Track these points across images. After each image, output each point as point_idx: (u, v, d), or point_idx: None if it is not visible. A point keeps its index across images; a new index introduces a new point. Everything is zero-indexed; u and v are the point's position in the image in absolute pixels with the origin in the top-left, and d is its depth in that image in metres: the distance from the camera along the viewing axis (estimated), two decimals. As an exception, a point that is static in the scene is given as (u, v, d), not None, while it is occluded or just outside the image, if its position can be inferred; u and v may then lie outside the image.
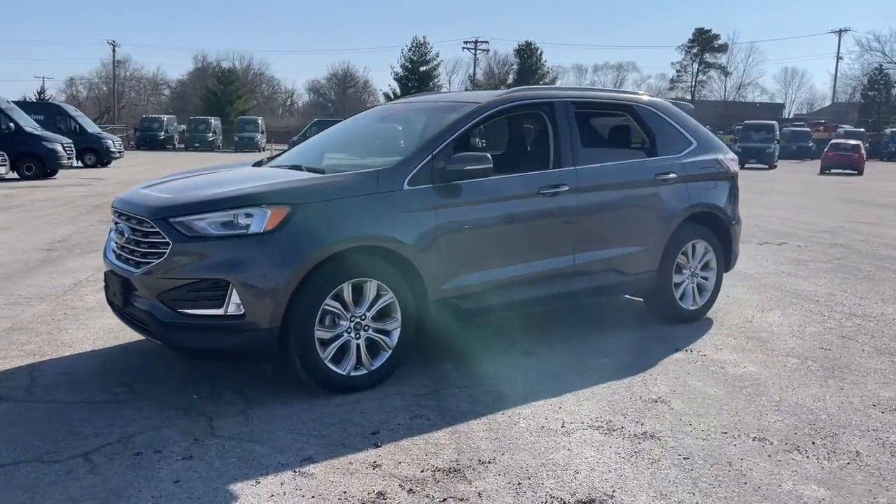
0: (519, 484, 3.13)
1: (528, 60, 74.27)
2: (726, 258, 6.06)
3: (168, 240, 3.94)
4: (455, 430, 3.69)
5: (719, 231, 5.96)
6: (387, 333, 4.29)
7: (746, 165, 34.81)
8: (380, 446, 3.50)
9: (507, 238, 4.75)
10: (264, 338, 3.91)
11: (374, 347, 4.27)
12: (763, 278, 7.77)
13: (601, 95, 5.60)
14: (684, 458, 3.41)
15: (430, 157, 4.47)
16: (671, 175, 5.57)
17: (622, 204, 5.33)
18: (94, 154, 29.85)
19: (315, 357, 4.02)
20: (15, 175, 21.51)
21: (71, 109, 32.77)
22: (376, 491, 3.06)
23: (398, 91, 70.19)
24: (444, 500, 3.00)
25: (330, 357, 4.09)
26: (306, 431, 3.66)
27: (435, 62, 71.56)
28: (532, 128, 5.52)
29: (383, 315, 4.28)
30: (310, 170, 4.71)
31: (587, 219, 5.10)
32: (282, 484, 3.11)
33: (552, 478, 3.19)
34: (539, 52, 73.67)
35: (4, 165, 20.70)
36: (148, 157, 38.18)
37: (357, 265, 4.12)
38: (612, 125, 5.84)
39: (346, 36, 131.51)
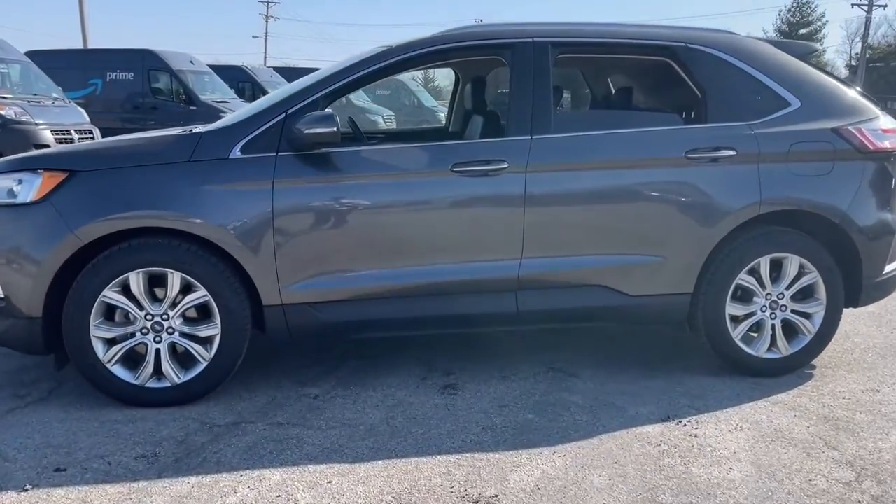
0: None
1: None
2: (850, 285, 3.86)
3: None
4: (113, 489, 2.71)
5: (834, 242, 3.80)
6: (203, 341, 3.40)
7: None
8: (26, 490, 2.69)
9: (396, 230, 3.47)
10: (25, 327, 3.30)
11: (188, 356, 3.42)
12: None
13: (619, 33, 3.81)
14: None
15: (282, 116, 3.42)
16: (726, 151, 3.64)
17: (616, 191, 3.60)
18: (425, 125, 31.75)
19: (93, 359, 3.31)
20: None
21: (412, 85, 34.82)
22: None
23: (770, 59, 63.37)
24: None
25: (115, 360, 3.34)
26: (17, 444, 2.99)
27: (819, 23, 62.98)
28: (494, 82, 4.03)
29: (203, 316, 3.40)
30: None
31: (546, 210, 3.54)
32: None
33: None
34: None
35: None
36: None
37: (151, 251, 3.29)
38: (632, 78, 4.04)
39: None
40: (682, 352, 4.18)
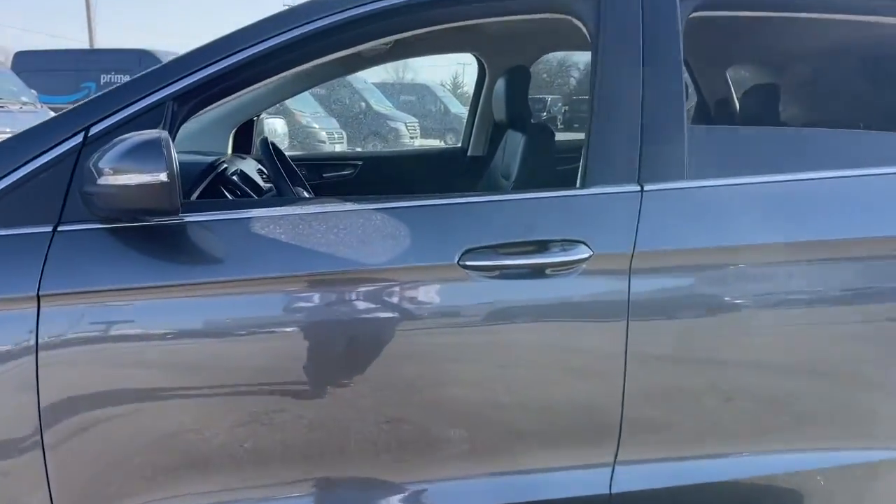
0: None
1: None
2: None
3: None
4: None
5: None
6: None
7: None
8: None
9: (329, 401, 1.52)
10: None
11: None
12: None
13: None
14: None
15: (78, 141, 1.49)
16: None
17: (829, 306, 1.61)
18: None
19: None
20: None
21: (439, 91, 33.94)
22: None
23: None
24: None
25: None
26: None
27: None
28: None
29: None
30: None
31: (672, 352, 1.57)
32: None
33: None
34: None
35: (341, 143, 21.59)
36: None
37: None
38: (839, 62, 2.05)
39: None
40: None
